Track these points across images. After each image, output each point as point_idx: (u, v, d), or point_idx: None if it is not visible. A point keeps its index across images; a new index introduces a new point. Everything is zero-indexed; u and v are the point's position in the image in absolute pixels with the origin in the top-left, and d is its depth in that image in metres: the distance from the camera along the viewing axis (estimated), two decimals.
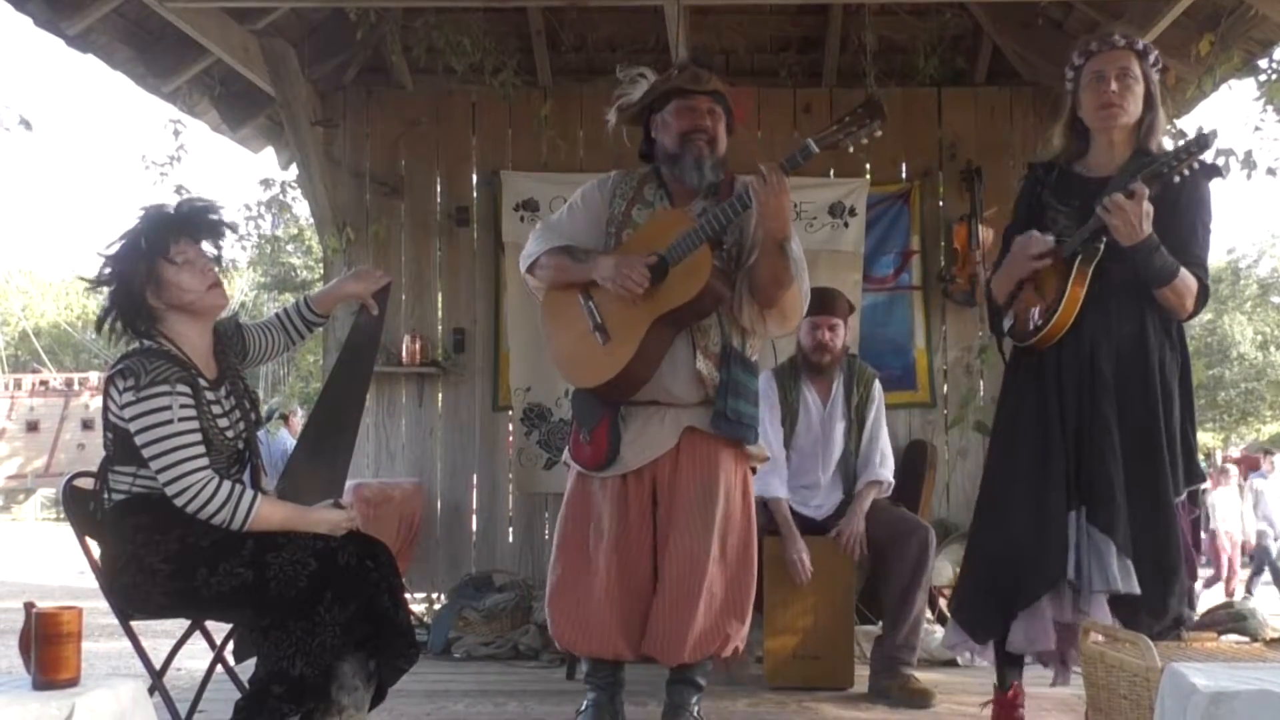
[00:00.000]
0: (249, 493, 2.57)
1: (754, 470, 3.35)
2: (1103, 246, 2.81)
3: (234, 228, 2.84)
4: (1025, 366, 3.01)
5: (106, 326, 2.65)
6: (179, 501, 2.50)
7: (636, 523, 3.14)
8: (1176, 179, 2.73)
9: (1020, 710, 3.06)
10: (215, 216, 2.74)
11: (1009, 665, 3.04)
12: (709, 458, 3.13)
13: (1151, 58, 2.94)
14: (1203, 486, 2.99)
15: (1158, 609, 2.74)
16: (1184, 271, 2.79)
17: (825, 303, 4.04)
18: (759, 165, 2.90)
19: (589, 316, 3.09)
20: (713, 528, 3.09)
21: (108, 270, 2.65)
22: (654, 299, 3.00)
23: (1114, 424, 2.82)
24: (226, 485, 2.53)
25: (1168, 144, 3.03)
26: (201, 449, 2.53)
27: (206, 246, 2.72)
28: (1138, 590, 2.72)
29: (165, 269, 2.61)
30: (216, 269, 2.72)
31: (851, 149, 3.02)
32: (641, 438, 3.12)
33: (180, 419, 2.51)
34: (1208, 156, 2.81)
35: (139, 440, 2.50)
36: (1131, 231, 2.71)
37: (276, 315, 3.04)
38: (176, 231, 2.66)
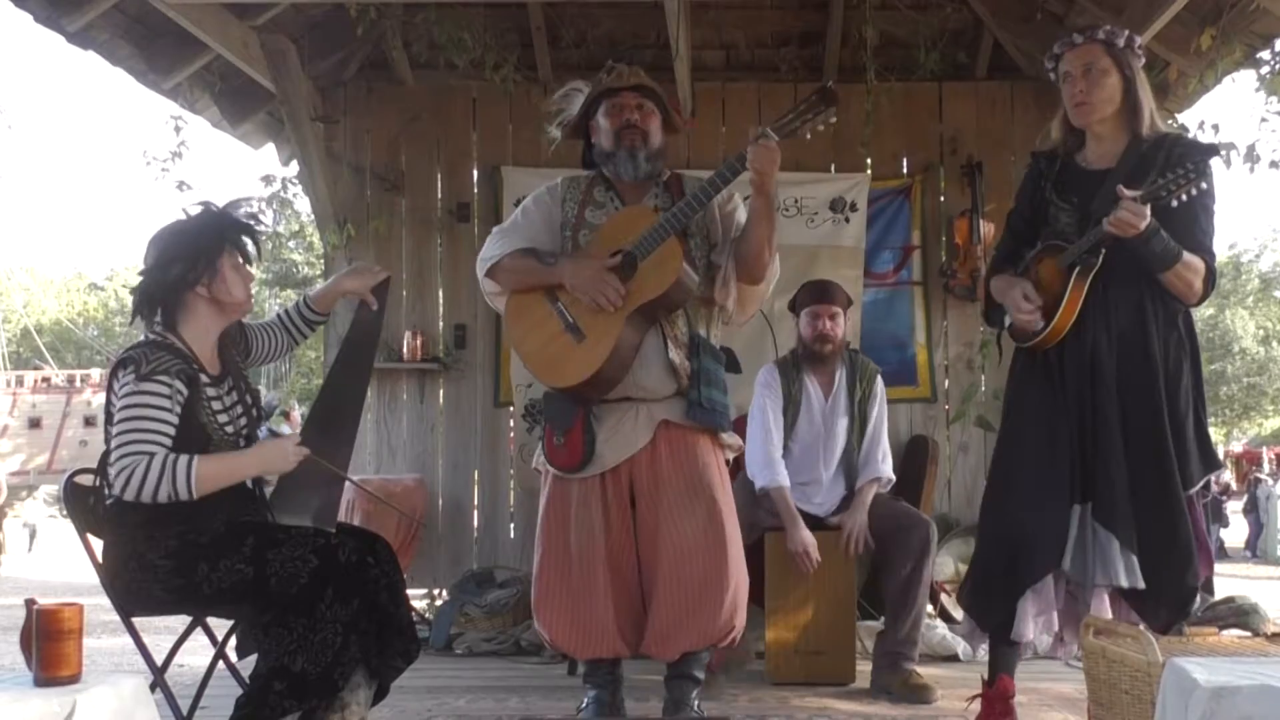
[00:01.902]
0: (183, 458, 2.49)
1: (729, 461, 3.35)
2: (1099, 260, 2.82)
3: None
4: (1030, 363, 3.01)
5: (148, 302, 2.68)
6: (117, 488, 2.47)
7: (618, 520, 3.14)
8: (1175, 203, 2.71)
9: (1012, 701, 3.05)
10: (259, 234, 2.85)
11: (1004, 657, 3.04)
12: (688, 449, 3.15)
13: (1120, 41, 2.90)
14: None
15: (1170, 601, 2.76)
16: (1187, 255, 2.77)
17: (823, 292, 4.06)
18: (751, 130, 2.95)
19: (560, 317, 3.10)
20: (703, 518, 3.09)
21: (174, 240, 2.69)
22: (627, 294, 3.02)
23: (1116, 421, 2.81)
24: (158, 458, 2.46)
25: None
26: (162, 441, 2.50)
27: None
28: (1141, 584, 2.73)
29: (227, 263, 2.70)
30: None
31: (809, 136, 3.04)
32: (616, 435, 3.13)
33: (160, 409, 2.50)
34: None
35: (114, 424, 2.50)
36: (1134, 230, 2.71)
37: (278, 316, 3.07)
38: (246, 234, 2.77)
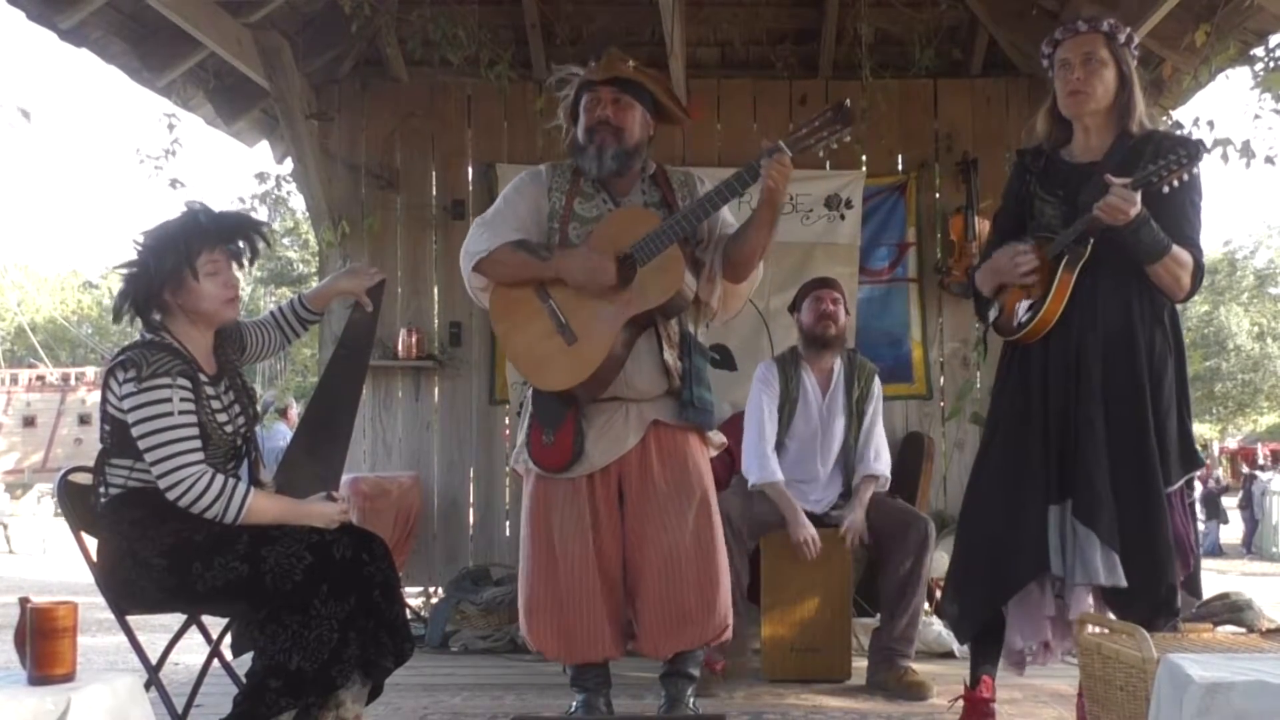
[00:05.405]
0: (241, 486, 2.57)
1: (728, 458, 3.34)
2: (1088, 249, 2.78)
3: (268, 243, 2.87)
4: (1014, 360, 2.98)
5: (124, 309, 2.66)
6: (171, 495, 2.50)
7: (606, 521, 3.10)
8: (1165, 189, 2.67)
9: (992, 704, 3.04)
10: (257, 235, 2.76)
11: (984, 660, 3.03)
12: (676, 449, 3.12)
13: (1122, 37, 2.89)
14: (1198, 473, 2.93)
15: (1149, 599, 2.72)
16: (1176, 247, 2.73)
17: (823, 280, 4.12)
18: (765, 144, 2.84)
19: (552, 316, 3.02)
20: (692, 519, 3.08)
21: (138, 253, 2.66)
22: (624, 300, 2.95)
23: (1099, 418, 2.78)
24: (220, 479, 2.53)
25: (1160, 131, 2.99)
26: (197, 443, 2.54)
27: (233, 256, 2.73)
28: (1123, 582, 2.70)
29: (189, 276, 2.62)
30: (239, 284, 2.76)
31: (821, 154, 2.99)
32: (606, 435, 3.08)
33: (179, 412, 2.52)
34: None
35: (136, 432, 2.51)
36: (1124, 218, 2.67)
37: (271, 314, 3.05)
38: (215, 240, 2.68)
